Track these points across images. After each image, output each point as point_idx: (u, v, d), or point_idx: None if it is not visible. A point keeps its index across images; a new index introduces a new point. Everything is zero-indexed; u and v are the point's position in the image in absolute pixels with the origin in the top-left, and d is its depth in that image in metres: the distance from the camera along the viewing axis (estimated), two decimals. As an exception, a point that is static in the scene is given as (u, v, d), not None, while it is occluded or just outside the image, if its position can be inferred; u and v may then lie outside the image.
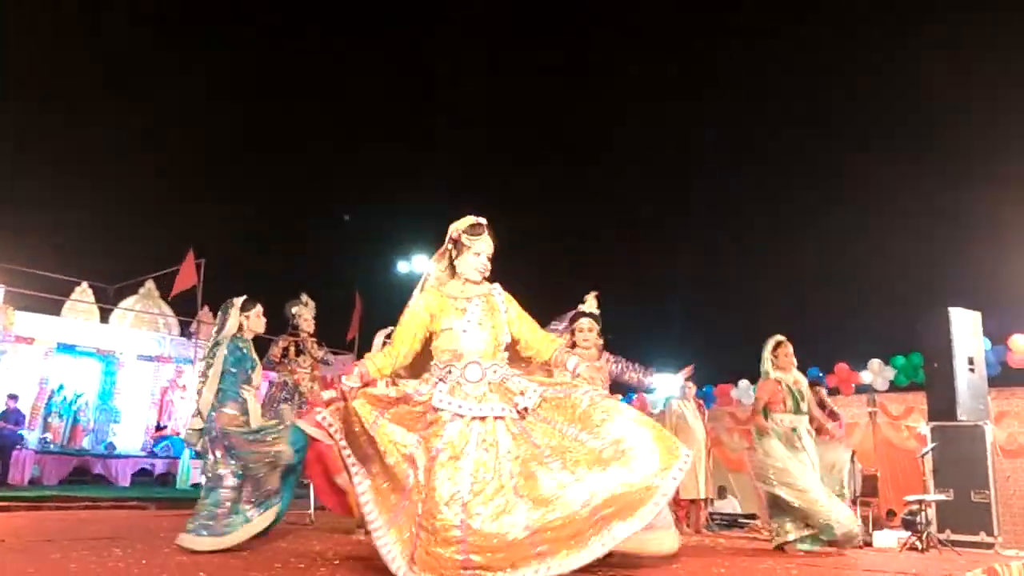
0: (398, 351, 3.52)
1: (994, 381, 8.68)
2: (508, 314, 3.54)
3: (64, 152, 17.01)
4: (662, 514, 4.56)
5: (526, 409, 3.33)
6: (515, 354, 3.63)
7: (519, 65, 21.26)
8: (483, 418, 3.29)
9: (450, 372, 3.40)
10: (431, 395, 3.36)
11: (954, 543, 6.34)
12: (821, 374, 10.02)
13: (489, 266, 3.61)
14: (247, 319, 4.94)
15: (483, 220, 3.61)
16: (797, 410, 5.84)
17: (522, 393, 3.35)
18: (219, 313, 5.02)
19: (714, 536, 7.65)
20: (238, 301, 4.95)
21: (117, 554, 4.18)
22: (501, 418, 3.30)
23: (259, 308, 5.01)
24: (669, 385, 12.30)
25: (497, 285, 3.64)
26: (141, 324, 14.47)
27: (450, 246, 3.63)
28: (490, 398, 3.35)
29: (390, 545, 3.20)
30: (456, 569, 2.95)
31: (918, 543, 6.20)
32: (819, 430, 6.34)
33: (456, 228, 3.60)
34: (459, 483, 3.09)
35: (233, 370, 4.77)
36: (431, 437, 3.28)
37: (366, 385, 3.42)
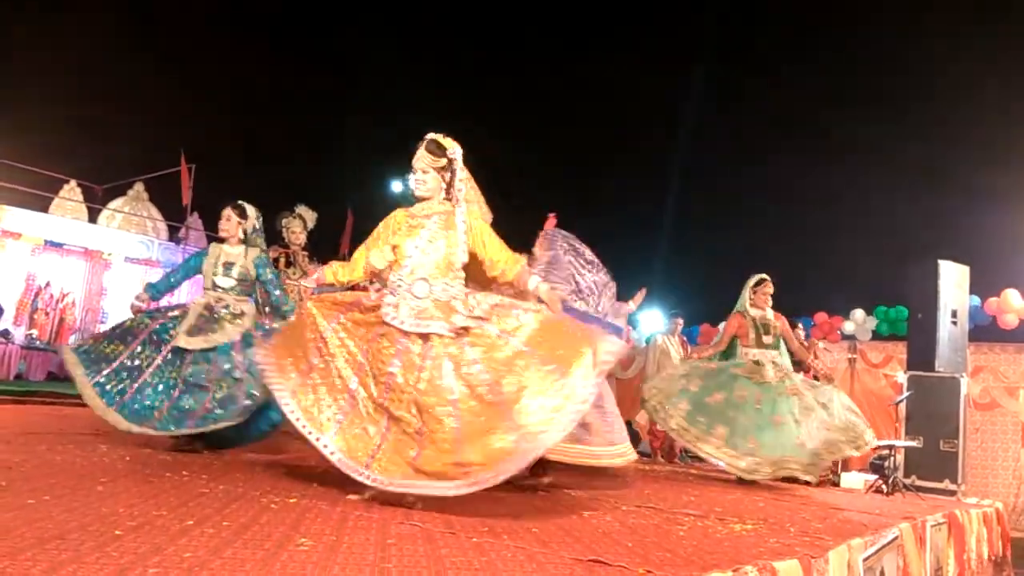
0: (356, 264, 3.66)
1: (974, 335, 8.79)
2: (470, 234, 3.53)
3: (58, 48, 16.53)
4: (619, 428, 4.73)
5: (465, 329, 3.35)
6: (481, 275, 3.65)
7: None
8: (426, 336, 3.35)
9: (399, 286, 3.45)
10: (379, 305, 3.44)
11: (919, 488, 6.53)
12: (801, 325, 10.13)
13: (424, 181, 3.55)
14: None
15: (427, 135, 3.57)
16: (760, 344, 6.07)
17: (468, 312, 3.39)
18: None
19: (687, 467, 7.84)
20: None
21: (102, 449, 4.25)
22: (440, 336, 3.34)
23: (226, 211, 4.95)
24: (651, 322, 12.45)
25: (464, 205, 3.59)
26: (129, 226, 14.37)
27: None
28: (434, 315, 3.38)
29: (332, 445, 3.29)
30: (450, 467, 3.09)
31: (884, 486, 6.38)
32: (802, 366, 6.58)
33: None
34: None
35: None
36: (381, 352, 3.38)
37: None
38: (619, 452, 4.64)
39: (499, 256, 3.60)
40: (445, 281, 3.45)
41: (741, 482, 5.70)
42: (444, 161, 3.54)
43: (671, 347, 8.42)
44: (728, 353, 6.31)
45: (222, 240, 4.97)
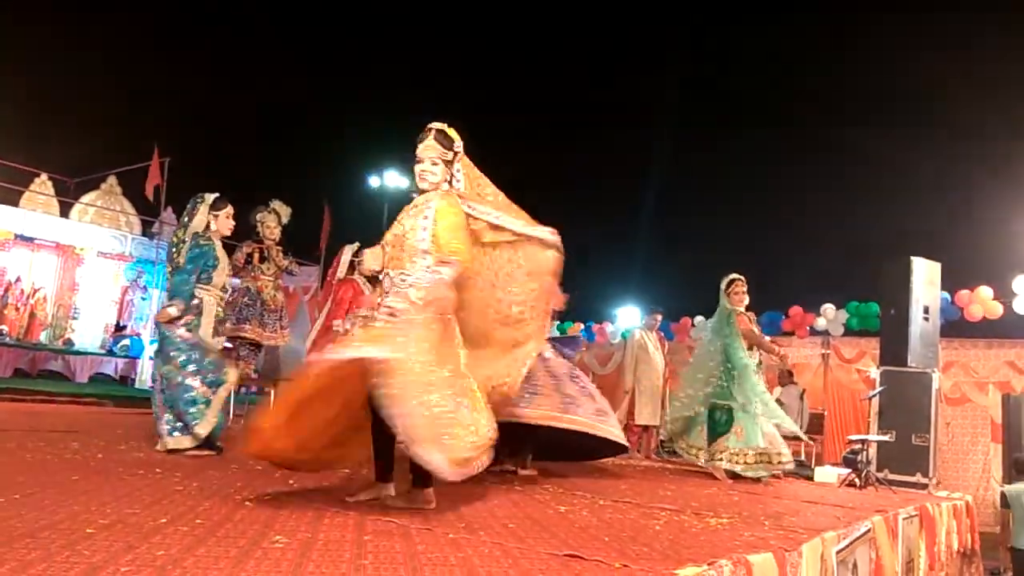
0: None
1: (945, 331, 8.91)
2: (437, 224, 3.30)
3: (28, 40, 16.25)
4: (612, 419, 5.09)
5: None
6: None
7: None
8: None
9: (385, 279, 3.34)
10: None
11: (891, 482, 6.60)
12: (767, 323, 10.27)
13: (433, 172, 3.38)
14: (215, 218, 4.75)
15: (432, 125, 3.43)
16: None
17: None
18: (187, 206, 4.81)
19: (663, 461, 7.88)
20: (209, 197, 4.76)
21: (74, 447, 4.20)
22: None
23: (230, 209, 4.80)
24: (629, 317, 12.50)
25: (441, 194, 3.40)
26: (102, 220, 14.17)
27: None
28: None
29: None
30: None
31: (857, 480, 6.45)
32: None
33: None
34: None
35: (188, 267, 4.59)
36: None
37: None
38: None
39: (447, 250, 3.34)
40: (403, 271, 3.28)
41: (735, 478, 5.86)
42: (451, 154, 3.44)
43: (649, 342, 8.43)
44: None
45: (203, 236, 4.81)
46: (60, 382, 11.14)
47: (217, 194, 4.82)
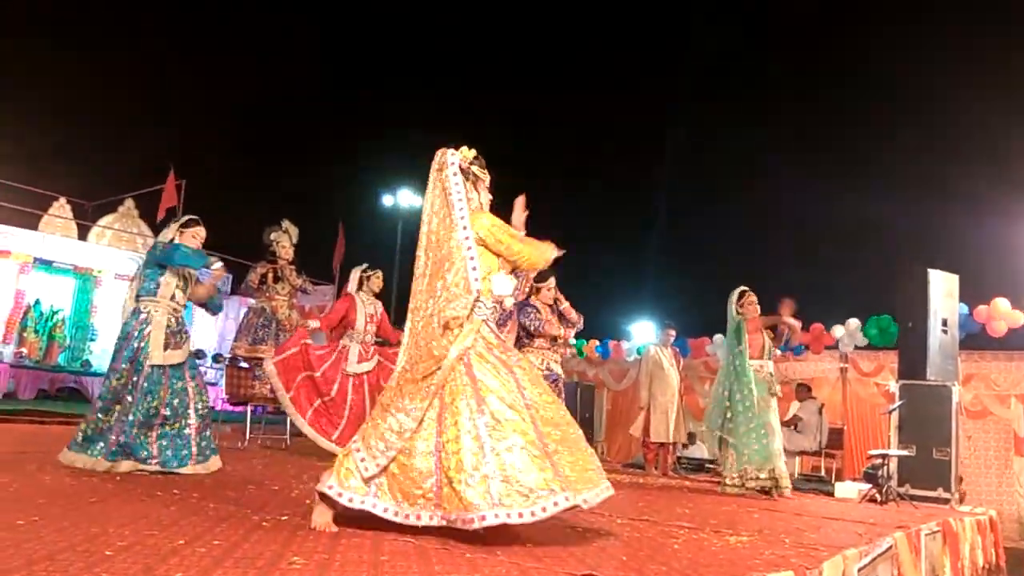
0: None
1: (964, 343, 8.81)
2: None
3: (46, 64, 16.51)
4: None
5: None
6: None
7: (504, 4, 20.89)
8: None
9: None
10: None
11: (912, 497, 6.52)
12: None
13: None
14: (181, 235, 4.72)
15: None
16: (767, 355, 6.28)
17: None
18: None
19: (681, 479, 7.83)
20: (184, 218, 4.83)
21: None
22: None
23: (198, 231, 4.77)
24: (644, 333, 12.46)
25: None
26: (119, 243, 14.32)
27: (460, 176, 3.26)
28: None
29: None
30: None
31: (878, 495, 6.38)
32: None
33: (463, 157, 3.31)
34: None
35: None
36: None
37: None
38: None
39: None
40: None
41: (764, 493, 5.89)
42: None
43: (663, 358, 8.41)
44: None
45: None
46: (79, 403, 11.20)
47: (195, 217, 4.85)
